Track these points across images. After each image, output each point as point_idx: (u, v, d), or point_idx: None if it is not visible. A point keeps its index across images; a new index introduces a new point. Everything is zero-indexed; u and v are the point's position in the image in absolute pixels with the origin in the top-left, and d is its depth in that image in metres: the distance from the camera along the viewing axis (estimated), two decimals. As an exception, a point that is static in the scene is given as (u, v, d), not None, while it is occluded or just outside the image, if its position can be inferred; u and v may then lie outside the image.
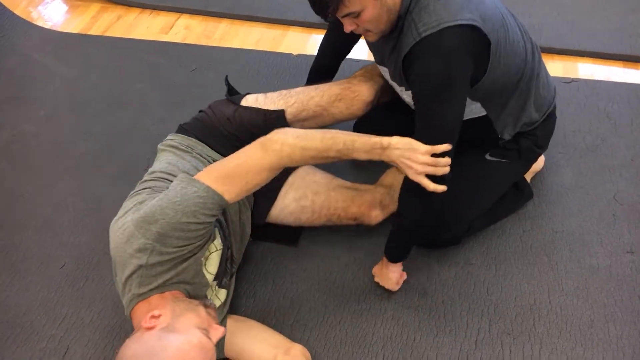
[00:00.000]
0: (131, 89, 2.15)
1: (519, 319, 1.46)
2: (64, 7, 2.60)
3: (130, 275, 1.21)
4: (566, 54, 2.28)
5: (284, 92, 1.58)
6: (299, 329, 1.46)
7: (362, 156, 1.25)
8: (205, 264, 1.28)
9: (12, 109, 2.07)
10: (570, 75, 2.18)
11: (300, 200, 1.54)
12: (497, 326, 1.45)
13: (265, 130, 1.29)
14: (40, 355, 1.41)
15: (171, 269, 1.21)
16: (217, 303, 1.36)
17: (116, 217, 1.29)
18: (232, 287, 1.44)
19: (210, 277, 1.30)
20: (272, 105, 1.54)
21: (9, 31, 2.39)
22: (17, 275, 1.58)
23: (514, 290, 1.52)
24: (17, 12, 2.54)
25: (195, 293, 1.27)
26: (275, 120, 1.51)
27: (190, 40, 2.38)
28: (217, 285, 1.35)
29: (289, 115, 1.54)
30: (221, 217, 1.39)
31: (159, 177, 1.36)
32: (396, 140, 1.23)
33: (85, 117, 2.04)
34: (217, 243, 1.32)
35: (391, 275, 1.47)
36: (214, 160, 1.46)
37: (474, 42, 1.24)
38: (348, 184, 1.60)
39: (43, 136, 1.97)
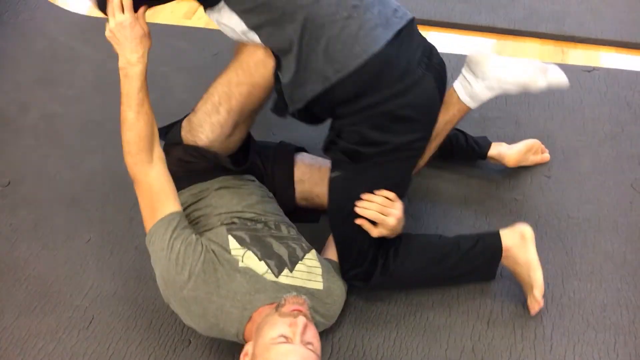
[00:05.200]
0: (155, 72, 2.17)
1: (532, 301, 1.48)
2: (91, -8, 2.65)
3: (216, 329, 1.29)
4: (588, 42, 2.27)
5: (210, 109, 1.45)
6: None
7: None
8: (250, 270, 1.28)
9: (41, 90, 2.14)
10: (592, 63, 2.18)
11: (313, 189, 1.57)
12: (510, 308, 1.47)
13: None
14: (66, 324, 1.47)
15: (217, 296, 1.24)
16: (309, 283, 1.32)
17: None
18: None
19: (266, 272, 1.28)
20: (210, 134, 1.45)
21: (37, 14, 2.46)
22: (44, 249, 1.65)
23: (527, 274, 1.53)
24: (46, -4, 2.61)
25: (273, 296, 1.25)
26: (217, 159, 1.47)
27: (212, 25, 2.40)
28: (289, 269, 1.31)
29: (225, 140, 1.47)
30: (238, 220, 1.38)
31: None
32: None
33: (111, 99, 2.08)
34: (237, 245, 1.31)
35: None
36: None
37: None
38: None
39: (70, 116, 2.04)
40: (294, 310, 1.15)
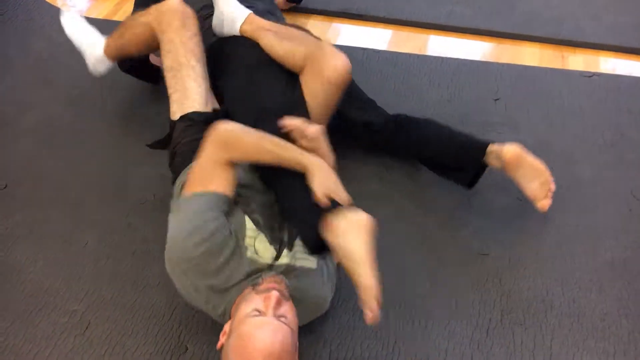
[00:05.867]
0: (154, 75, 2.18)
1: (532, 310, 1.47)
2: (90, -7, 2.64)
3: (206, 304, 1.30)
4: (588, 47, 2.27)
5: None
6: (312, 312, 1.48)
7: (286, 163, 1.33)
8: (256, 254, 1.29)
9: (41, 91, 2.12)
10: (592, 69, 2.17)
11: None
12: (509, 316, 1.46)
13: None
14: (62, 329, 1.46)
15: (214, 274, 1.26)
16: (303, 261, 1.33)
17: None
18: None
19: (266, 262, 1.30)
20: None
21: (36, 15, 2.45)
22: (41, 252, 1.63)
23: (527, 282, 1.53)
24: (44, -3, 2.60)
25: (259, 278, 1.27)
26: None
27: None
28: (289, 250, 1.33)
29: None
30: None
31: None
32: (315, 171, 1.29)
33: (110, 101, 2.09)
34: (251, 230, 1.32)
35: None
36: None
37: None
38: None
39: (70, 118, 2.02)
40: (269, 287, 1.20)
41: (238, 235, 1.30)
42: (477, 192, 1.72)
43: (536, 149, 1.85)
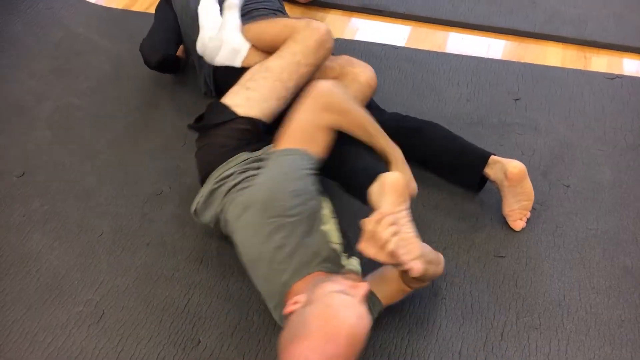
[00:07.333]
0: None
1: (547, 314, 1.45)
2: (109, -17, 2.64)
3: (270, 264, 1.26)
4: (611, 49, 2.23)
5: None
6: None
7: (377, 146, 1.43)
8: (328, 236, 1.31)
9: (57, 81, 2.13)
10: (615, 71, 2.13)
11: None
12: (524, 320, 1.44)
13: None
14: (76, 319, 1.47)
15: (301, 241, 1.25)
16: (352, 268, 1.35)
17: (232, 221, 1.34)
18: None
19: (339, 248, 1.32)
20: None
21: (55, 4, 2.45)
22: (57, 241, 1.64)
23: (543, 285, 1.51)
24: (64, -14, 2.60)
25: (334, 269, 1.28)
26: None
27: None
28: (347, 256, 1.35)
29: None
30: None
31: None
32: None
33: (127, 92, 2.09)
34: (329, 211, 1.35)
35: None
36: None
37: None
38: None
39: (86, 108, 2.03)
40: (358, 280, 1.25)
41: (322, 204, 1.34)
42: (493, 193, 1.70)
43: (556, 151, 1.83)
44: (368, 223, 1.12)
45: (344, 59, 1.76)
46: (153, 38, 1.95)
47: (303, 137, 1.36)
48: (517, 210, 1.61)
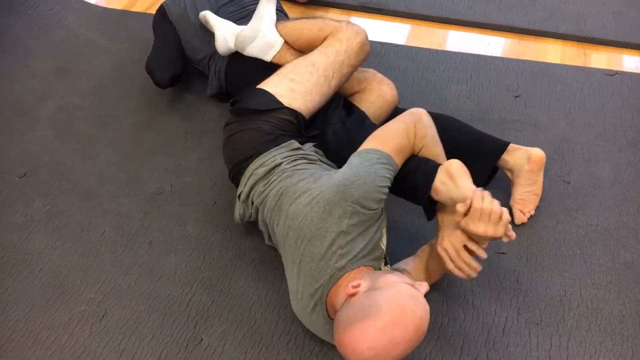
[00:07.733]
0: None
1: (548, 309, 1.46)
2: (109, -17, 2.65)
3: (330, 246, 1.25)
4: (610, 45, 2.23)
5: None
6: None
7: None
8: (384, 239, 1.34)
9: (59, 81, 2.14)
10: (614, 67, 2.14)
11: None
12: (526, 316, 1.45)
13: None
14: (79, 317, 1.48)
15: (364, 233, 1.26)
16: None
17: (289, 200, 1.32)
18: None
19: (383, 251, 1.34)
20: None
21: (56, 5, 2.46)
22: (59, 241, 1.65)
23: (544, 281, 1.52)
24: (65, -14, 2.61)
25: (378, 270, 1.29)
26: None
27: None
28: (384, 263, 1.37)
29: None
30: None
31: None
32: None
33: (128, 91, 2.09)
34: (384, 220, 1.37)
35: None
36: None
37: None
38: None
39: (87, 108, 2.04)
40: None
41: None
42: (494, 190, 1.70)
43: (556, 147, 1.84)
44: (476, 202, 1.22)
45: (370, 72, 1.77)
46: (158, 58, 1.94)
47: (395, 146, 1.36)
48: (524, 201, 1.63)
